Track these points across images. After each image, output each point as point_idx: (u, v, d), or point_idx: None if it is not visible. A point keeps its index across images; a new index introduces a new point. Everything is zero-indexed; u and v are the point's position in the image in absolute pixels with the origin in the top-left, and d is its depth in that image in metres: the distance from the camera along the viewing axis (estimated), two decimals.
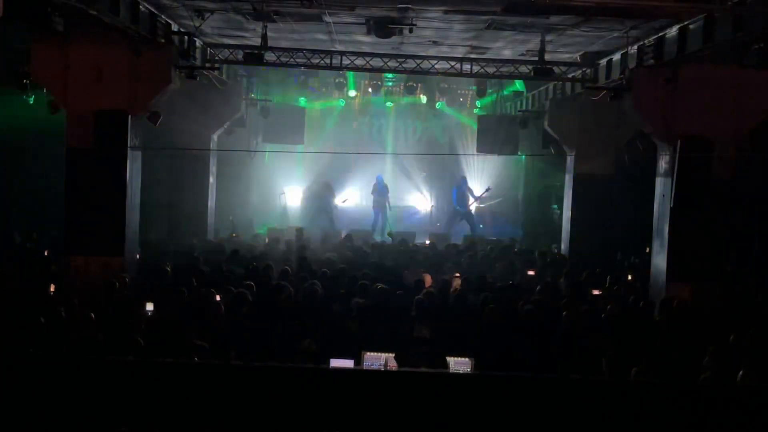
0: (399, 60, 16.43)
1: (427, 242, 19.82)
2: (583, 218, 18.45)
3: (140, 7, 12.68)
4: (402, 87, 23.00)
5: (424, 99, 24.57)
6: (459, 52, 16.62)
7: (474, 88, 21.89)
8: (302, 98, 24.45)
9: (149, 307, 10.39)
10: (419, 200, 26.53)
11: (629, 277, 14.73)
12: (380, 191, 23.86)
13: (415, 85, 21.95)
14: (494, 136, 21.09)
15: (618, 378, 8.03)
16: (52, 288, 11.26)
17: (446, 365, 8.08)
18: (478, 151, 21.98)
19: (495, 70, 16.71)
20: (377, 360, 8.28)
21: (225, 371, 6.90)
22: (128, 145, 13.22)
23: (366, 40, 15.55)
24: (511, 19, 12.99)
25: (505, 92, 24.07)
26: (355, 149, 24.83)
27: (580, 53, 16.11)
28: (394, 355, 8.16)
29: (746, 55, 10.87)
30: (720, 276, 12.97)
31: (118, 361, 7.14)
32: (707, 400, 6.51)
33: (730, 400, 6.52)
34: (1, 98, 16.43)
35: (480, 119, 21.99)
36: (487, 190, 24.01)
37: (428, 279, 13.27)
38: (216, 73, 16.72)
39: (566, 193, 19.36)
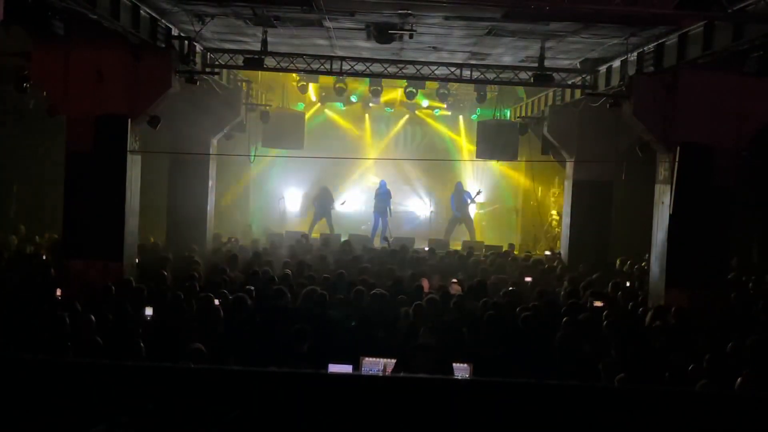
0: (399, 66, 16.44)
1: (426, 248, 19.85)
2: (582, 224, 18.46)
3: (141, 11, 12.70)
4: (403, 92, 23.02)
5: (423, 104, 24.64)
6: (459, 58, 16.64)
7: (474, 93, 21.93)
8: (300, 103, 24.50)
9: (148, 311, 10.39)
10: (418, 205, 26.56)
11: (627, 284, 14.74)
12: (381, 196, 23.89)
13: (414, 90, 21.96)
14: (494, 142, 21.09)
15: (616, 384, 8.02)
16: (59, 292, 11.24)
17: (452, 372, 8.07)
18: (477, 157, 21.99)
19: (495, 76, 16.73)
20: (376, 365, 8.28)
21: (223, 376, 6.88)
22: (128, 149, 13.23)
23: (366, 46, 15.57)
24: (511, 25, 13.02)
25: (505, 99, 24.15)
26: (354, 154, 24.91)
27: (580, 60, 16.14)
28: (395, 361, 8.14)
29: (746, 63, 10.88)
30: (719, 283, 12.97)
31: (115, 365, 7.13)
32: (705, 408, 6.49)
33: (727, 407, 6.51)
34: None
35: (479, 125, 22.01)
36: (478, 193, 24.07)
37: (426, 284, 13.28)
38: (216, 77, 16.74)
39: (565, 199, 19.38)
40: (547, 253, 19.71)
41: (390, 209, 24.00)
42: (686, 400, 6.72)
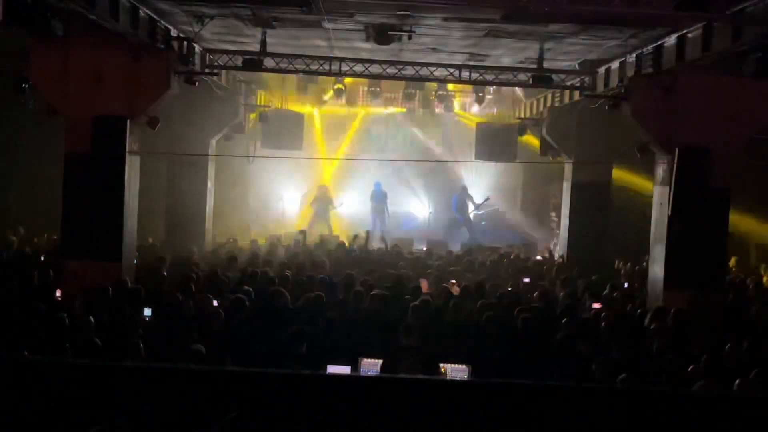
0: (398, 67, 16.43)
1: (425, 249, 19.86)
2: (580, 225, 18.46)
3: (140, 12, 12.69)
4: (400, 94, 23.02)
5: (422, 107, 24.64)
6: (458, 59, 16.62)
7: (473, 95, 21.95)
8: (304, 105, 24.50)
9: (147, 312, 10.38)
10: (417, 207, 26.55)
11: (626, 285, 14.74)
12: (378, 198, 23.88)
13: (413, 92, 21.95)
14: (492, 143, 21.10)
15: (613, 385, 8.03)
16: (59, 293, 11.23)
17: (438, 372, 8.07)
18: (476, 158, 21.99)
19: (494, 77, 16.72)
20: (375, 366, 8.29)
21: (222, 377, 6.88)
22: (127, 150, 13.22)
23: (365, 47, 15.56)
24: (510, 26, 13.02)
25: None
26: (353, 155, 24.92)
27: (579, 61, 16.14)
28: (381, 362, 8.15)
29: (744, 64, 10.89)
30: (717, 285, 12.97)
31: (114, 366, 7.13)
32: (703, 409, 6.50)
33: (725, 409, 6.52)
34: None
35: (478, 126, 22.00)
36: (486, 200, 24.09)
37: (425, 285, 13.28)
38: (215, 78, 16.73)
39: (564, 200, 19.38)
40: (540, 258, 19.67)
41: (387, 210, 24.01)
42: (684, 402, 6.73)
